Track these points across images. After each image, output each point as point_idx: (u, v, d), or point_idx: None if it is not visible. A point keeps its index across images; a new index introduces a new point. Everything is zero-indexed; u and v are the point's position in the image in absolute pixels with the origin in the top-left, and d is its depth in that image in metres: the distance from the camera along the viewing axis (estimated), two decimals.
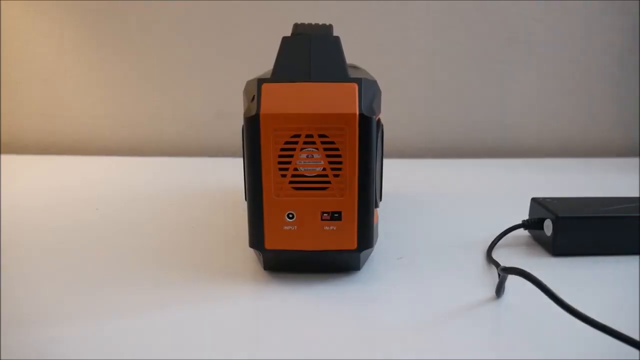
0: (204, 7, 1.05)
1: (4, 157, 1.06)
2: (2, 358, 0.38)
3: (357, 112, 0.46)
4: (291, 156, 0.47)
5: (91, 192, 0.80)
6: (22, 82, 1.12)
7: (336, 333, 0.42)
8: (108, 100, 1.12)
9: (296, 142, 0.47)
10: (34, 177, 0.91)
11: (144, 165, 0.99)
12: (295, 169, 0.47)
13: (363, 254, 0.51)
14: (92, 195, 0.79)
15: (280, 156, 0.47)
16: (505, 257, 0.55)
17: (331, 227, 0.48)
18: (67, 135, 1.14)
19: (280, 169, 0.47)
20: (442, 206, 0.73)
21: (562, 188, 0.83)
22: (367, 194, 0.48)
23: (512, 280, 0.51)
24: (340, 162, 0.47)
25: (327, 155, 0.47)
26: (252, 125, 0.46)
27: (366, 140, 0.46)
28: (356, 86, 0.47)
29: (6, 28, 1.09)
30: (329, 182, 0.47)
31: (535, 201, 0.60)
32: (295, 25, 0.51)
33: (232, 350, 0.40)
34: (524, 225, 0.59)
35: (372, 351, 0.40)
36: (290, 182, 0.47)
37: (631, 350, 0.40)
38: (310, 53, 0.48)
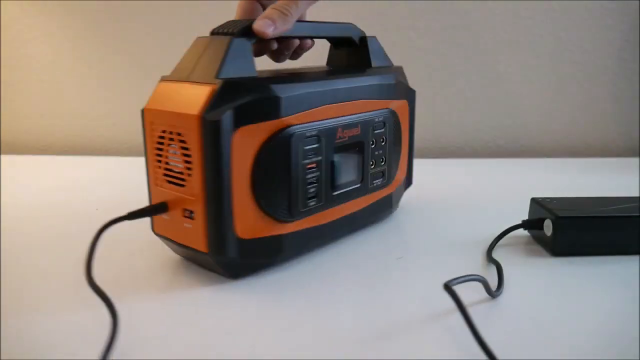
0: (204, 7, 1.05)
1: (4, 157, 1.06)
2: (2, 358, 0.38)
3: (199, 115, 0.44)
4: (162, 150, 0.49)
5: (90, 192, 0.80)
6: (22, 82, 1.12)
7: (336, 331, 0.42)
8: (108, 100, 1.12)
9: (164, 138, 0.49)
10: (34, 177, 0.91)
11: (143, 165, 0.98)
12: (167, 163, 0.49)
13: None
14: (91, 195, 0.79)
15: (156, 149, 0.50)
16: (505, 257, 0.55)
17: (188, 225, 0.48)
18: (67, 135, 1.14)
19: (157, 161, 0.50)
20: (443, 206, 0.73)
21: (562, 188, 0.83)
22: (215, 200, 0.46)
23: (512, 280, 0.51)
24: (190, 162, 0.47)
25: (183, 155, 0.47)
26: (142, 118, 0.50)
27: (212, 144, 0.45)
28: (213, 88, 0.45)
29: (6, 28, 1.09)
30: (185, 180, 0.48)
31: (535, 201, 0.60)
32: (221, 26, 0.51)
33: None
34: (524, 225, 0.59)
35: (366, 350, 0.40)
36: (164, 175, 0.50)
37: (632, 350, 0.40)
38: (203, 53, 0.49)
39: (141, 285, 0.50)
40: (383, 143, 0.60)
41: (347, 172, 0.57)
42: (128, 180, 0.87)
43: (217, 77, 0.46)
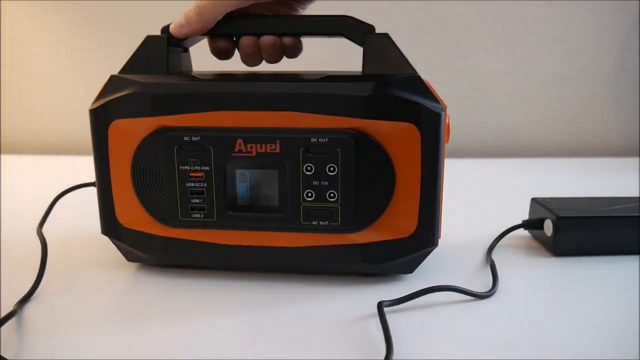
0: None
1: (4, 157, 1.06)
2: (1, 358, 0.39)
3: (90, 108, 0.50)
4: None
5: (90, 192, 0.80)
6: (22, 82, 1.12)
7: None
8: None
9: None
10: (34, 177, 0.91)
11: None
12: None
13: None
14: (90, 195, 0.78)
15: None
16: (505, 257, 0.56)
17: None
18: (67, 136, 1.14)
19: None
20: (443, 206, 0.73)
21: (562, 188, 0.83)
22: (98, 183, 0.51)
23: (512, 280, 0.51)
24: None
25: None
26: None
27: (92, 132, 0.49)
28: (105, 82, 0.49)
29: (6, 28, 1.09)
30: None
31: (535, 201, 0.60)
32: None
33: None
34: (524, 225, 0.59)
35: (365, 347, 0.40)
36: None
37: (631, 350, 0.40)
38: (139, 50, 0.51)
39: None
40: (332, 173, 0.47)
41: (258, 194, 0.49)
42: None
43: (119, 73, 0.50)
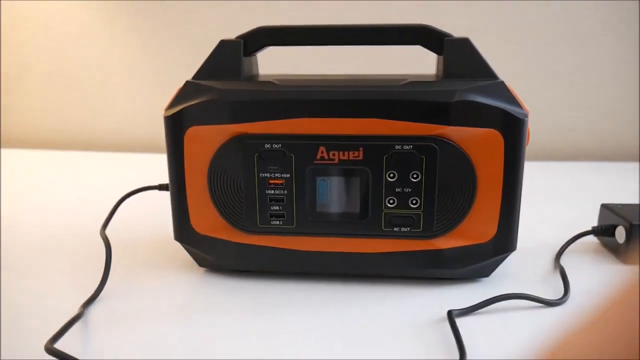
0: (204, 7, 1.02)
1: (4, 151, 1.03)
2: (2, 358, 0.38)
3: (165, 114, 0.48)
4: None
5: (89, 187, 0.79)
6: (21, 77, 1.10)
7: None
8: (106, 97, 1.09)
9: None
10: (34, 171, 0.89)
11: (143, 161, 0.96)
12: None
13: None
14: (90, 191, 0.77)
15: None
16: (574, 263, 0.53)
17: None
18: (66, 131, 1.12)
19: None
20: None
21: (625, 193, 0.77)
22: (172, 189, 0.50)
23: (578, 286, 0.49)
24: None
25: None
26: None
27: (167, 138, 0.48)
28: (179, 89, 0.48)
29: (6, 26, 1.07)
30: None
31: (605, 207, 0.57)
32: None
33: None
34: (594, 231, 0.56)
35: (438, 350, 0.36)
36: None
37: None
38: (213, 55, 0.50)
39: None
40: (416, 180, 0.46)
41: (339, 201, 0.48)
42: (126, 176, 0.86)
43: (193, 78, 0.49)
